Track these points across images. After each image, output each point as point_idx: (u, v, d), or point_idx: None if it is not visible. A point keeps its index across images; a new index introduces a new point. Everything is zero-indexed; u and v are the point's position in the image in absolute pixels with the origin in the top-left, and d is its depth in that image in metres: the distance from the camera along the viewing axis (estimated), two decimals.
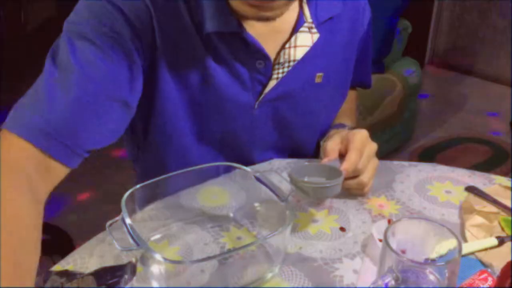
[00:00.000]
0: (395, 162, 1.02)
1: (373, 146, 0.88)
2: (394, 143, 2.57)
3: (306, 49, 0.88)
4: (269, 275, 0.74)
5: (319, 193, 0.81)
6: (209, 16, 0.81)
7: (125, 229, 0.68)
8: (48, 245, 2.13)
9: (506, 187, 0.92)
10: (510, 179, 0.95)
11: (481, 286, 0.70)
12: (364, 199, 0.91)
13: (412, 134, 2.72)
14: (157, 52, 0.82)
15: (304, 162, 0.92)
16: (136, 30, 0.78)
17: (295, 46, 0.87)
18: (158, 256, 0.65)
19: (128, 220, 0.69)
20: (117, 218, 0.70)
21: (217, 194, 0.87)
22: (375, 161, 0.89)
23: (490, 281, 0.70)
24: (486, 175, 0.98)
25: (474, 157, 2.61)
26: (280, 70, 0.88)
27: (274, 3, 0.76)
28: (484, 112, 3.05)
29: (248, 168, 0.82)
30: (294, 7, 0.87)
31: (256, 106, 0.91)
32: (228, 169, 0.84)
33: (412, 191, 0.94)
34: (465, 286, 0.71)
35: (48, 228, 2.05)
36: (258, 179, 0.80)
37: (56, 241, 2.00)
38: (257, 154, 0.99)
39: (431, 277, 0.63)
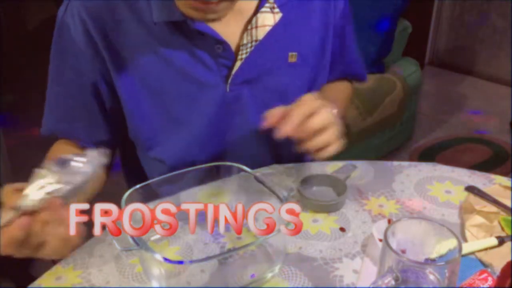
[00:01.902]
0: (395, 162, 1.02)
1: (330, 108, 0.82)
2: (394, 143, 2.57)
3: (267, 29, 0.88)
4: (269, 275, 0.74)
5: (325, 208, 0.88)
6: (156, 7, 0.84)
7: None
8: None
9: (506, 187, 0.92)
10: (510, 179, 0.95)
11: (481, 286, 0.70)
12: (364, 199, 0.91)
13: (412, 134, 2.72)
14: (107, 65, 0.88)
15: (306, 171, 0.94)
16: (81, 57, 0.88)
17: (256, 27, 0.88)
18: (158, 256, 0.65)
19: None
20: None
21: (217, 195, 0.87)
22: (336, 127, 0.82)
23: (490, 281, 0.70)
24: (486, 175, 0.98)
25: (474, 157, 2.61)
26: (244, 51, 0.89)
27: (218, 6, 0.80)
28: (468, 111, 3.05)
29: (248, 169, 0.82)
30: None
31: (228, 89, 0.91)
32: (228, 169, 0.84)
33: (412, 191, 0.94)
34: (465, 286, 0.71)
35: None
36: (258, 179, 0.80)
37: None
38: (241, 145, 0.97)
39: (431, 277, 0.63)
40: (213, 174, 0.85)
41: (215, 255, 0.76)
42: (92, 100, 0.93)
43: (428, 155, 2.62)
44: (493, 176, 0.98)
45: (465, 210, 0.87)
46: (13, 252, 0.63)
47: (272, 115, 0.79)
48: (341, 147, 0.83)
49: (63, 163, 0.62)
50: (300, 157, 1.01)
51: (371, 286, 0.64)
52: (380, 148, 2.45)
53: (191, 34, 0.87)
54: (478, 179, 0.97)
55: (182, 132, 0.94)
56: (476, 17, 3.45)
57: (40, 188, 0.62)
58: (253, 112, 0.95)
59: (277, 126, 0.78)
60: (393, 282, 0.62)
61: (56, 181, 0.62)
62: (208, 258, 0.72)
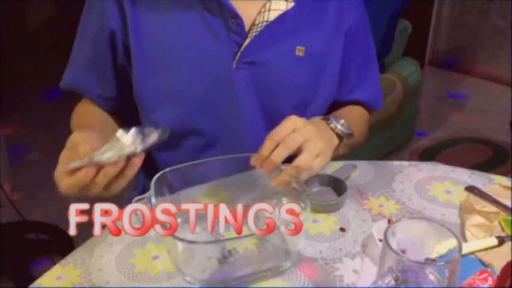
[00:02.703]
0: (395, 162, 1.02)
1: (305, 129, 0.82)
2: (394, 143, 2.57)
3: (278, 13, 0.92)
4: (288, 263, 0.76)
5: (325, 208, 0.88)
6: None
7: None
8: (48, 245, 2.13)
9: (506, 187, 0.92)
10: (510, 179, 0.96)
11: (481, 286, 0.70)
12: (364, 199, 0.91)
13: (412, 134, 2.72)
14: (128, 25, 0.93)
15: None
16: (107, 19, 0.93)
17: (269, 10, 0.92)
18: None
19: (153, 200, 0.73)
20: (145, 195, 0.74)
21: (219, 194, 0.88)
22: (311, 144, 0.82)
23: (490, 281, 0.70)
24: (486, 175, 0.98)
25: (474, 157, 2.61)
26: (254, 30, 0.93)
27: None
28: (468, 111, 3.05)
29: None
30: None
31: (234, 65, 0.94)
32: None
33: (412, 191, 0.94)
34: (465, 286, 0.71)
35: (48, 228, 2.05)
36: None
37: (56, 241, 2.00)
38: (242, 127, 0.99)
39: (431, 277, 0.63)
40: (240, 164, 0.87)
41: (226, 239, 0.78)
42: (108, 51, 0.97)
43: (428, 155, 2.62)
44: (493, 176, 0.98)
45: (465, 210, 0.87)
46: (73, 193, 0.72)
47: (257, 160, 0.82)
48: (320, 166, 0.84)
49: (137, 132, 0.70)
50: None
51: (371, 286, 0.64)
52: (380, 148, 2.45)
53: (209, 4, 0.91)
54: (478, 179, 0.97)
55: (182, 100, 0.96)
56: (476, 17, 3.45)
57: (113, 148, 0.69)
58: (253, 96, 0.96)
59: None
60: (393, 282, 0.62)
61: (128, 145, 0.69)
62: (217, 241, 0.74)
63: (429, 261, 0.67)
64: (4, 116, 2.72)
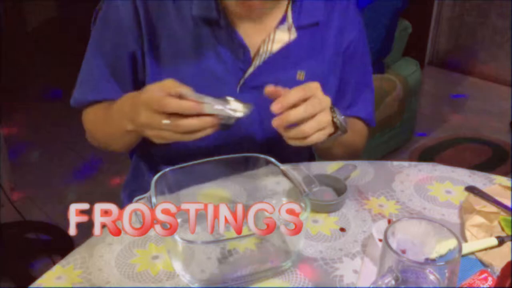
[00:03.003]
0: (395, 162, 1.02)
1: (324, 99, 0.85)
2: (394, 143, 2.57)
3: (281, 44, 0.97)
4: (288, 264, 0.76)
5: (325, 208, 0.88)
6: (196, 2, 0.94)
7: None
8: (48, 245, 2.13)
9: (506, 187, 0.92)
10: (510, 179, 0.96)
11: (481, 286, 0.70)
12: (364, 199, 0.91)
13: (412, 134, 2.72)
14: (144, 42, 0.96)
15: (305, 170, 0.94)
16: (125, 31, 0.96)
17: (273, 41, 0.97)
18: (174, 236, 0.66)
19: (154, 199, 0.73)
20: (145, 195, 0.74)
21: (218, 195, 0.88)
22: (323, 115, 0.84)
23: (490, 281, 0.70)
24: (486, 175, 0.98)
25: (474, 157, 2.61)
26: (258, 60, 0.97)
27: (266, 4, 0.91)
28: (468, 111, 3.05)
29: (276, 161, 0.84)
30: (282, 8, 0.98)
31: (238, 89, 0.97)
32: (255, 161, 0.87)
33: (412, 191, 0.94)
34: (465, 286, 0.71)
35: (48, 228, 2.05)
36: (284, 173, 0.82)
37: (56, 241, 2.00)
38: (244, 147, 0.99)
39: (431, 277, 0.63)
40: (240, 165, 0.88)
41: (228, 238, 0.78)
42: (128, 67, 1.00)
43: (428, 155, 2.62)
44: (493, 176, 0.98)
45: (465, 210, 0.87)
46: (153, 124, 0.79)
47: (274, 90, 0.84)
48: (322, 138, 0.85)
49: (226, 101, 0.80)
50: (297, 160, 1.02)
51: (371, 286, 0.64)
52: (380, 148, 2.45)
53: (220, 35, 0.96)
54: (478, 179, 0.97)
55: None
56: (476, 17, 3.45)
57: (222, 105, 0.79)
58: (255, 116, 0.97)
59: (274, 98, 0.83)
60: (393, 282, 0.62)
61: (239, 110, 0.80)
62: (218, 241, 0.73)
63: (429, 261, 0.67)
64: (4, 116, 2.72)
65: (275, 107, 0.81)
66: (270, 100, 0.97)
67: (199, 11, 0.94)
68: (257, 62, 0.97)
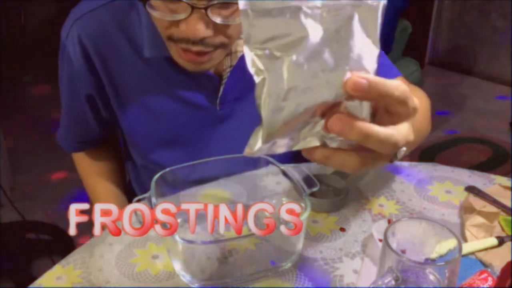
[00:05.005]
0: (395, 162, 1.02)
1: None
2: None
3: (239, 54, 0.92)
4: (288, 263, 0.76)
5: (325, 208, 0.88)
6: (147, 44, 0.89)
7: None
8: (48, 245, 2.13)
9: (506, 187, 0.92)
10: (510, 179, 0.96)
11: (481, 286, 0.70)
12: (364, 199, 0.91)
13: None
14: (105, 88, 0.95)
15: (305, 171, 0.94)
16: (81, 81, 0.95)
17: (235, 52, 0.93)
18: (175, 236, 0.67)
19: (154, 200, 0.73)
20: (145, 195, 0.74)
21: (218, 196, 0.88)
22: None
23: (490, 281, 0.70)
24: (486, 175, 0.98)
25: (474, 157, 2.61)
26: (224, 76, 0.94)
27: (213, 54, 0.82)
28: (469, 111, 3.05)
29: (275, 162, 0.84)
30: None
31: (218, 108, 0.96)
32: (256, 161, 0.87)
33: (412, 191, 0.94)
34: (465, 286, 0.71)
35: (48, 228, 2.05)
36: (285, 173, 0.82)
37: (56, 241, 2.00)
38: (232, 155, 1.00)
39: (431, 277, 0.63)
40: (240, 165, 0.88)
41: (228, 238, 0.77)
42: (88, 109, 1.00)
43: (428, 155, 2.62)
44: (493, 176, 0.98)
45: (465, 210, 0.87)
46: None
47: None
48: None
49: None
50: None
51: (371, 286, 0.64)
52: None
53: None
54: (478, 179, 0.97)
55: (177, 147, 0.99)
56: (476, 17, 3.45)
57: None
58: (246, 124, 0.96)
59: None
60: (393, 282, 0.62)
61: None
62: (219, 241, 0.73)
63: (429, 261, 0.67)
64: (4, 115, 2.72)
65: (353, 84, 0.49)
66: (249, 112, 0.94)
67: (153, 52, 0.90)
68: (223, 79, 0.93)
